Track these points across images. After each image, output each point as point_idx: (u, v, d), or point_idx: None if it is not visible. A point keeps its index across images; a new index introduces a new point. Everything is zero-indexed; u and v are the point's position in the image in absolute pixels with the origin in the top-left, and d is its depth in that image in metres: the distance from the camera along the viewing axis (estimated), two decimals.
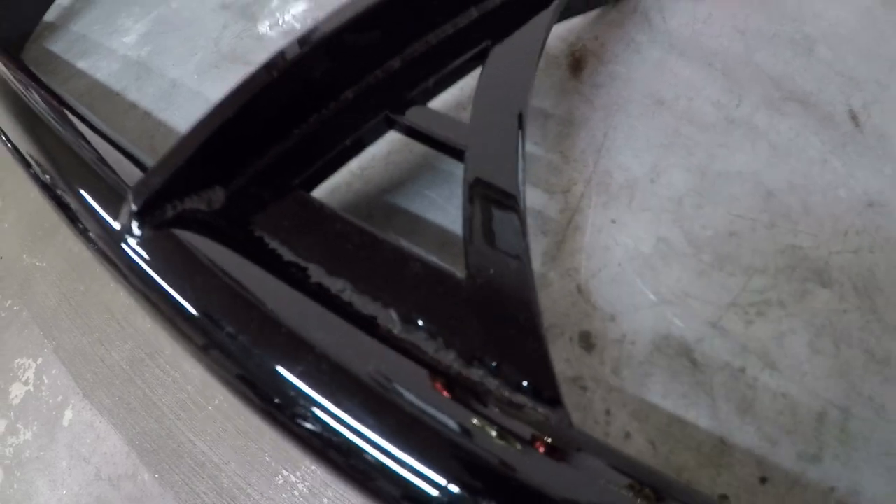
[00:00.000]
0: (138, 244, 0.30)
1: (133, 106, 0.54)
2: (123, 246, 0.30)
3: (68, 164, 0.36)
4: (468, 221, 0.32)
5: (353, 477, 0.27)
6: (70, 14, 0.69)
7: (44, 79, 0.56)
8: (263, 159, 0.37)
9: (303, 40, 0.38)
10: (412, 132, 0.41)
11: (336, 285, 0.31)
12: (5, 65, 0.55)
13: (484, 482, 0.24)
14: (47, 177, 0.36)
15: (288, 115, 0.39)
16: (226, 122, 0.34)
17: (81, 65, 0.61)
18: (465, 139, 0.37)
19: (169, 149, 0.33)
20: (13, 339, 0.89)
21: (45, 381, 0.86)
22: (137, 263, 0.30)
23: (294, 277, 0.31)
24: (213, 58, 0.56)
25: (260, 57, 0.48)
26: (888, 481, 0.33)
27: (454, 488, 0.24)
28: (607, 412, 0.38)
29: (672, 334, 0.39)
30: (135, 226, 0.30)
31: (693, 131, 0.46)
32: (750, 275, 0.40)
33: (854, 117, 0.46)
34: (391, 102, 0.41)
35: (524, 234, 0.31)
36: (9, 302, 0.96)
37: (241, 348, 0.29)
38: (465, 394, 0.26)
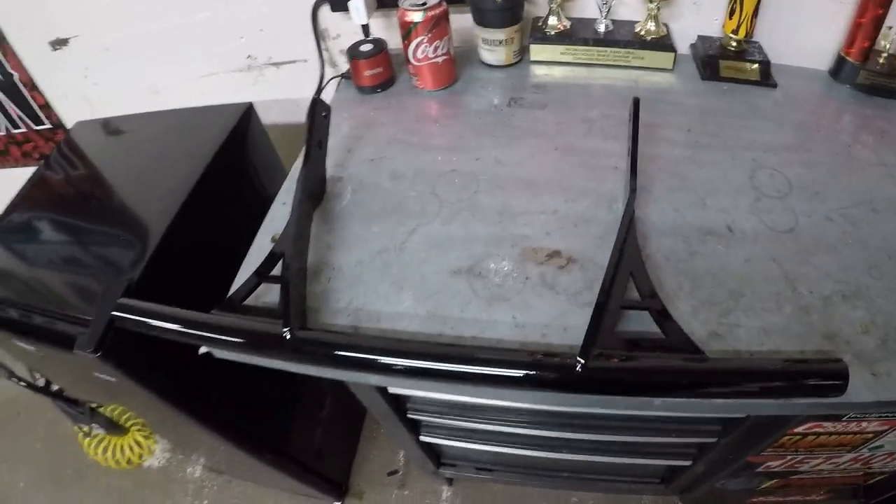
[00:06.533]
0: (586, 370, 0.74)
1: (460, 336, 0.83)
2: (580, 374, 0.74)
3: (517, 356, 0.78)
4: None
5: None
6: (319, 301, 0.88)
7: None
8: None
9: None
10: None
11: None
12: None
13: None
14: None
15: None
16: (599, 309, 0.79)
17: (385, 325, 0.83)
18: None
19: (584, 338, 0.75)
20: None
21: None
22: (592, 378, 0.74)
23: None
24: (484, 301, 0.84)
25: (511, 294, 0.87)
26: None
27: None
28: None
29: None
30: (583, 366, 0.74)
31: None
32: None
33: (729, 228, 1.00)
34: None
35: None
36: None
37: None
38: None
